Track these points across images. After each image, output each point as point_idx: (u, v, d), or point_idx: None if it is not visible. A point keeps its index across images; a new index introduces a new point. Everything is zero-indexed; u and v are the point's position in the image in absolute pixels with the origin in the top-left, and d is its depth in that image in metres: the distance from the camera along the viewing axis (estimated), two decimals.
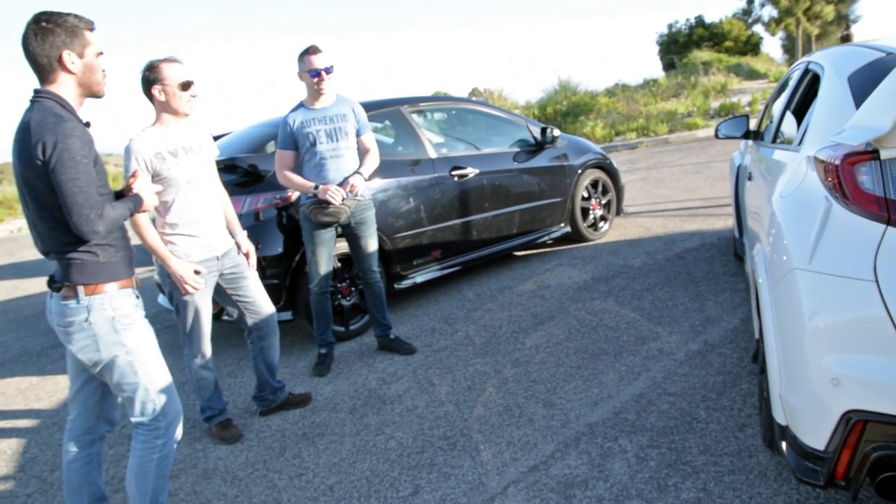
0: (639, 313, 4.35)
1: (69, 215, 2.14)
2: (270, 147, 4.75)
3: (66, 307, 2.28)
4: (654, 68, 48.18)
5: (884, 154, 1.89)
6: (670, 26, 38.48)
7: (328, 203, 3.87)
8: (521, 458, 2.85)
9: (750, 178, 3.72)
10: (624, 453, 2.77)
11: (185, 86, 3.10)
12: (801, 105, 3.09)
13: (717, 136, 4.48)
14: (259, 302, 3.47)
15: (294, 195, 4.34)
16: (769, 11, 29.52)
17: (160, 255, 3.09)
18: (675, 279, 4.93)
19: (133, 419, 2.46)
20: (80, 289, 2.27)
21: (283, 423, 3.50)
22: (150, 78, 3.08)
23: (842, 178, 1.98)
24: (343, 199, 3.87)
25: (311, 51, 3.86)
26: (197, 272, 3.15)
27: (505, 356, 3.97)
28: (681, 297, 4.54)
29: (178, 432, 2.58)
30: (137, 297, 2.47)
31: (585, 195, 6.43)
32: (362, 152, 4.10)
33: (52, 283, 2.31)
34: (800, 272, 2.05)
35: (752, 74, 23.19)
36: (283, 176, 4.02)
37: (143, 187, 2.51)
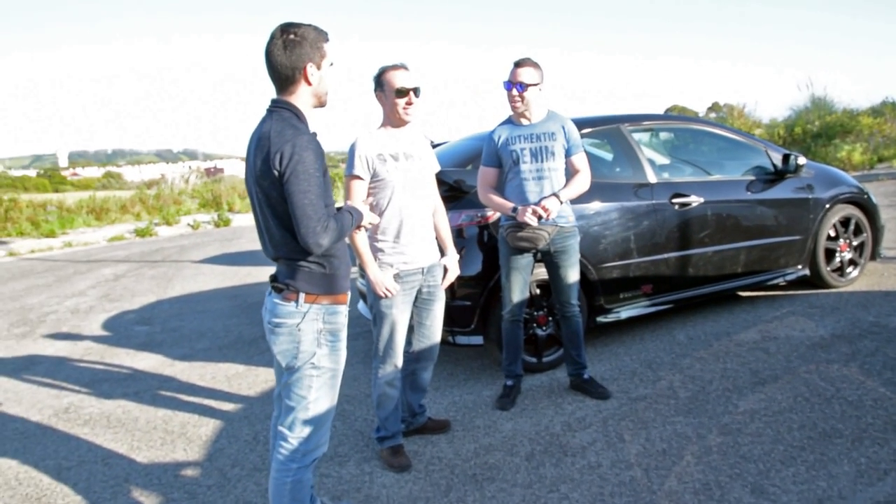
0: (891, 389, 3.57)
1: (297, 226, 2.16)
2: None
3: (282, 308, 2.32)
4: None
5: None
6: None
7: (526, 226, 3.62)
8: None
9: None
10: None
11: (400, 93, 3.10)
12: None
13: None
14: (434, 329, 3.40)
15: (496, 215, 4.14)
16: None
17: (363, 257, 3.11)
18: None
19: (280, 427, 2.41)
20: (302, 295, 2.30)
21: (455, 459, 3.31)
22: (376, 83, 3.19)
23: None
24: (540, 221, 3.59)
25: (518, 64, 3.63)
26: (394, 281, 3.13)
27: (712, 418, 3.45)
28: None
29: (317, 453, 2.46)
30: (346, 315, 2.45)
31: (832, 234, 5.55)
32: (571, 174, 3.79)
33: (275, 282, 2.36)
34: None
35: None
36: (483, 194, 3.86)
37: (364, 208, 2.57)
